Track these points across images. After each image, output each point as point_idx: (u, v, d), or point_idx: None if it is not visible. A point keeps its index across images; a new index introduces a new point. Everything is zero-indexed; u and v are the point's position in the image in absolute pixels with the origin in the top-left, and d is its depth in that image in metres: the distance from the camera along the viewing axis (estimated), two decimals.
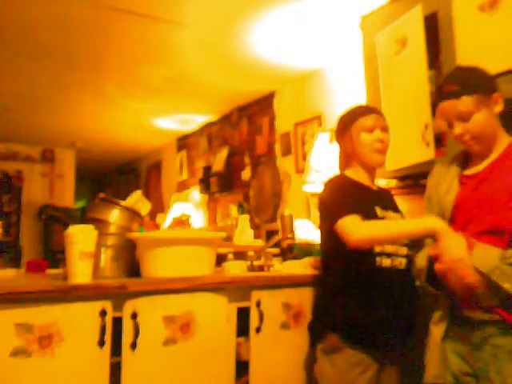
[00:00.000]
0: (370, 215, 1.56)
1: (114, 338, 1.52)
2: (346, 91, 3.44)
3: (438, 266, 1.37)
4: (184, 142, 5.93)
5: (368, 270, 1.59)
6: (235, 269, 1.94)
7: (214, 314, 1.70)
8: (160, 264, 1.73)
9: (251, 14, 2.93)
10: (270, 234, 3.59)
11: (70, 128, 5.65)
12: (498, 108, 1.43)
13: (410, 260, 1.62)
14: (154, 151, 6.68)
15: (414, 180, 2.43)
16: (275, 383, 1.81)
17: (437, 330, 1.47)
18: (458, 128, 1.43)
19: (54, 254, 5.79)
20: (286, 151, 4.15)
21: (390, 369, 1.64)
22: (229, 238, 3.00)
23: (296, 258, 2.17)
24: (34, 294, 1.41)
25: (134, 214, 1.86)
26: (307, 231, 2.65)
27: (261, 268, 2.03)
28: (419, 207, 1.74)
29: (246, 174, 4.65)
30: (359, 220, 1.50)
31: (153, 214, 4.88)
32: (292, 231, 2.35)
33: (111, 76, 3.98)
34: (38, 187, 6.43)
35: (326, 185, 1.71)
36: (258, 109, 4.57)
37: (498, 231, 1.36)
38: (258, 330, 1.76)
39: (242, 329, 1.76)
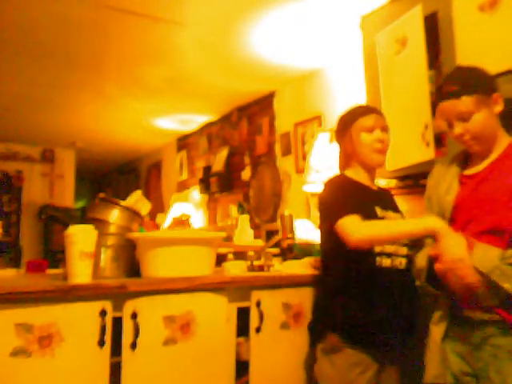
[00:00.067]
0: (369, 215, 1.56)
1: (114, 338, 1.52)
2: (346, 91, 3.44)
3: (437, 266, 1.37)
4: (184, 142, 5.93)
5: (368, 270, 1.59)
6: (235, 269, 1.94)
7: (214, 313, 1.70)
8: (160, 264, 1.73)
9: (251, 14, 2.93)
10: (270, 234, 3.59)
11: (70, 128, 5.65)
12: (498, 108, 1.43)
13: (410, 260, 1.62)
14: (154, 151, 6.68)
15: (414, 180, 2.43)
16: (275, 383, 1.81)
17: (437, 330, 1.47)
18: (458, 128, 1.43)
19: (54, 254, 5.79)
20: (286, 151, 4.15)
21: (390, 369, 1.64)
22: (229, 238, 3.00)
23: (296, 258, 2.17)
24: (34, 294, 1.41)
25: (133, 214, 1.86)
26: (307, 231, 2.65)
27: (261, 268, 2.03)
28: (419, 207, 1.74)
29: (246, 174, 4.65)
30: (359, 220, 1.50)
31: (153, 214, 4.88)
32: (292, 231, 2.35)
33: (111, 76, 3.98)
34: (38, 187, 6.43)
35: (325, 185, 1.72)
36: (258, 109, 4.57)
37: (498, 231, 1.36)
38: (257, 330, 1.76)
39: (242, 329, 1.76)
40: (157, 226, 3.15)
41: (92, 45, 3.36)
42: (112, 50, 3.47)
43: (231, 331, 1.74)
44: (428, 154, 2.09)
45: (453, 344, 1.44)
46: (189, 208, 5.11)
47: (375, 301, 1.58)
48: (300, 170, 3.78)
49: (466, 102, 1.40)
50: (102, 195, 1.90)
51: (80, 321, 1.47)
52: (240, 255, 2.30)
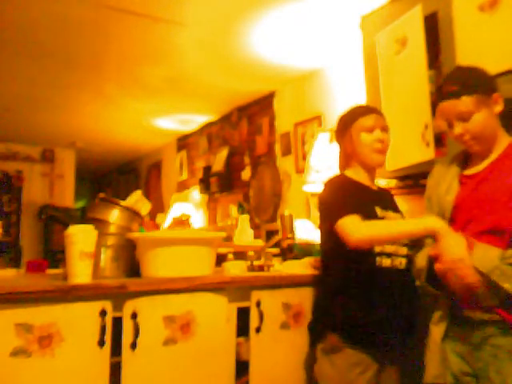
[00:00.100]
0: (369, 215, 1.56)
1: (114, 338, 1.52)
2: (346, 91, 3.44)
3: (437, 266, 1.37)
4: (184, 142, 5.93)
5: (368, 270, 1.59)
6: (235, 269, 1.94)
7: (214, 313, 1.70)
8: (160, 264, 1.73)
9: (251, 14, 2.93)
10: (270, 234, 3.59)
11: (70, 128, 5.65)
12: (498, 108, 1.43)
13: (410, 260, 1.62)
14: (154, 151, 6.68)
15: (414, 180, 2.43)
16: (275, 383, 1.81)
17: (437, 330, 1.47)
18: (458, 128, 1.43)
19: (54, 254, 5.79)
20: (286, 151, 4.15)
21: (390, 369, 1.64)
22: (229, 238, 3.00)
23: (296, 258, 2.17)
24: (34, 294, 1.41)
25: (134, 214, 1.86)
26: (307, 231, 2.65)
27: (261, 268, 2.03)
28: (419, 207, 1.74)
29: (246, 174, 4.65)
30: (359, 220, 1.50)
31: (153, 214, 4.88)
32: (292, 231, 2.35)
33: (111, 76, 3.98)
34: (38, 187, 6.43)
35: (325, 185, 1.71)
36: (258, 109, 4.57)
37: (498, 231, 1.36)
38: (258, 330, 1.76)
39: (242, 329, 1.76)
40: (157, 226, 3.15)
41: (92, 45, 3.36)
42: (112, 50, 3.47)
43: (231, 331, 1.74)
44: (428, 154, 2.09)
45: (453, 344, 1.44)
46: (189, 208, 5.11)
47: (375, 301, 1.58)
48: (300, 170, 3.78)
49: (465, 102, 1.40)
50: (101, 195, 1.90)
51: (80, 321, 1.47)
52: (240, 255, 2.30)
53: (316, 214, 1.83)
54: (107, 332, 1.50)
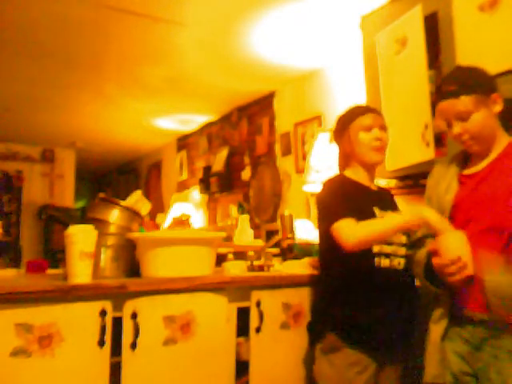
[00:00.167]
0: (368, 216, 1.56)
1: (114, 338, 1.52)
2: (346, 91, 3.44)
3: (435, 261, 1.37)
4: (184, 142, 5.93)
5: (367, 270, 1.59)
6: (235, 269, 1.94)
7: (214, 314, 1.70)
8: (160, 264, 1.72)
9: (251, 14, 2.93)
10: (270, 234, 3.59)
11: (70, 128, 5.65)
12: (498, 108, 1.43)
13: (409, 260, 1.62)
14: (154, 151, 6.68)
15: (414, 180, 2.43)
16: (275, 383, 1.81)
17: (436, 330, 1.47)
18: (457, 128, 1.43)
19: (54, 254, 5.79)
20: (286, 151, 4.15)
21: (388, 368, 1.63)
22: (229, 238, 3.00)
23: (296, 258, 2.17)
24: (34, 294, 1.41)
25: (134, 213, 1.86)
26: (307, 231, 2.65)
27: (261, 268, 2.03)
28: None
29: (246, 174, 4.65)
30: (354, 223, 1.50)
31: (153, 214, 4.88)
32: (292, 231, 2.35)
33: (111, 76, 3.98)
34: (38, 187, 6.43)
35: (324, 185, 1.71)
36: (258, 109, 4.57)
37: (497, 230, 1.36)
38: (258, 329, 1.76)
39: (242, 329, 1.76)
40: (157, 226, 3.14)
41: (92, 45, 3.36)
42: (112, 50, 3.47)
43: (231, 331, 1.74)
44: (428, 154, 2.09)
45: (453, 344, 1.44)
46: (189, 208, 5.11)
47: (374, 301, 1.58)
48: (300, 170, 3.78)
49: (464, 102, 1.40)
50: (101, 195, 1.90)
51: (80, 321, 1.47)
52: (240, 255, 2.30)
53: (316, 213, 1.83)
54: (107, 332, 1.50)
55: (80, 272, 1.54)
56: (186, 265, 1.74)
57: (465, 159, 1.54)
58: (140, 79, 4.00)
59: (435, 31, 2.12)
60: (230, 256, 2.22)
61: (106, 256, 1.75)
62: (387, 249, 1.60)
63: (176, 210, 4.95)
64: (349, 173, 1.76)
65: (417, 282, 1.64)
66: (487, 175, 1.44)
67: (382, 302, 1.59)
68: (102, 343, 1.49)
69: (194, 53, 3.48)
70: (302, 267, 1.99)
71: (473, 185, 1.45)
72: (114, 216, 1.80)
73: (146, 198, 1.98)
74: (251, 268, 2.01)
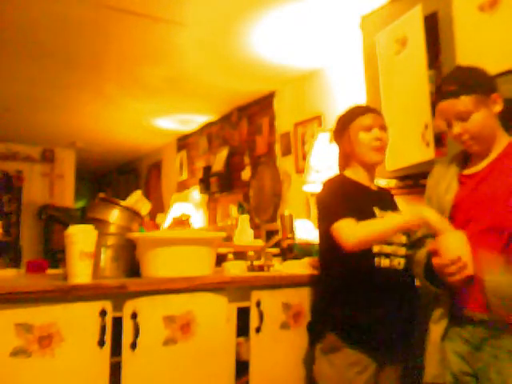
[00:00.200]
0: (368, 216, 1.56)
1: (114, 338, 1.52)
2: (346, 91, 3.44)
3: (435, 261, 1.37)
4: (184, 142, 5.93)
5: (367, 270, 1.59)
6: (235, 269, 1.94)
7: (214, 314, 1.70)
8: (160, 264, 1.72)
9: (251, 14, 2.93)
10: (270, 234, 3.59)
11: (70, 128, 5.65)
12: (498, 108, 1.43)
13: (409, 260, 1.62)
14: (154, 151, 6.68)
15: (414, 180, 2.43)
16: (275, 383, 1.81)
17: (436, 330, 1.47)
18: (457, 128, 1.43)
19: (54, 254, 5.79)
20: (286, 151, 4.15)
21: (388, 368, 1.63)
22: (229, 238, 3.00)
23: (296, 258, 2.17)
24: (34, 294, 1.41)
25: (134, 213, 1.86)
26: (307, 231, 2.65)
27: (261, 268, 2.03)
28: None
29: (246, 173, 4.65)
30: (354, 224, 1.50)
31: (153, 214, 4.88)
32: (292, 231, 2.35)
33: (111, 76, 3.98)
34: (38, 187, 6.43)
35: (324, 184, 1.71)
36: (258, 109, 4.57)
37: (497, 231, 1.36)
38: (258, 329, 1.76)
39: (242, 329, 1.76)
40: (157, 226, 3.14)
41: (92, 45, 3.36)
42: (112, 50, 3.47)
43: (231, 331, 1.74)
44: (428, 153, 2.09)
45: (453, 344, 1.44)
46: (189, 208, 5.11)
47: (374, 301, 1.58)
48: (300, 170, 3.78)
49: (464, 102, 1.40)
50: (101, 195, 1.90)
51: (80, 321, 1.47)
52: (240, 255, 2.30)
53: (316, 213, 1.83)
54: (107, 332, 1.50)
55: (80, 272, 1.54)
56: (186, 265, 1.74)
57: (465, 159, 1.54)
58: (140, 79, 4.00)
59: (435, 31, 2.12)
60: (230, 256, 2.22)
61: (105, 256, 1.75)
62: (387, 249, 1.60)
63: (176, 209, 4.95)
64: (349, 173, 1.76)
65: (417, 282, 1.64)
66: (487, 175, 1.44)
67: (382, 302, 1.59)
68: (102, 343, 1.49)
69: (194, 53, 3.48)
70: (301, 267, 1.99)
71: (473, 185, 1.45)
72: (114, 216, 1.80)
73: (146, 197, 1.98)
74: (251, 268, 2.01)
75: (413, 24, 2.18)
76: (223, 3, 2.81)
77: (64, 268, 1.64)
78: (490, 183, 1.42)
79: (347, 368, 1.55)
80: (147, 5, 2.82)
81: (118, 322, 1.53)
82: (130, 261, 1.81)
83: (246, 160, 4.68)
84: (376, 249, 1.58)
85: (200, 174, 5.35)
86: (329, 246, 1.60)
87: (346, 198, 1.61)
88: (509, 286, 1.29)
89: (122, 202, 1.84)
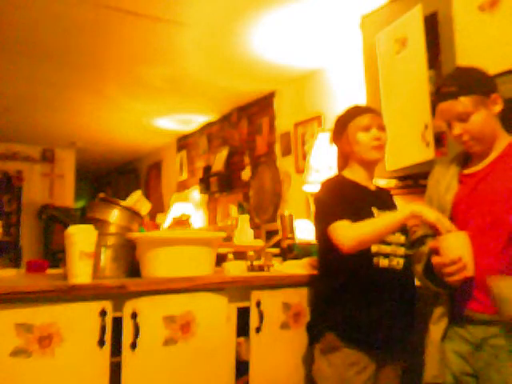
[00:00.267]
0: (366, 216, 1.56)
1: (114, 338, 1.52)
2: (345, 91, 3.44)
3: (436, 260, 1.37)
4: (184, 142, 5.93)
5: (365, 270, 1.59)
6: (235, 269, 1.94)
7: (214, 314, 1.70)
8: (160, 264, 1.73)
9: (251, 14, 2.93)
10: (270, 234, 3.59)
11: (69, 128, 5.65)
12: (497, 108, 1.43)
13: (408, 260, 1.62)
14: (154, 151, 6.68)
15: (414, 180, 2.43)
16: (275, 383, 1.81)
17: (436, 330, 1.47)
18: (457, 128, 1.43)
19: (54, 254, 5.79)
20: (286, 151, 4.15)
21: (387, 368, 1.63)
22: (229, 238, 3.00)
23: (296, 258, 2.17)
24: (34, 294, 1.41)
25: (133, 214, 1.86)
26: (307, 231, 2.66)
27: (261, 268, 2.03)
28: None
29: (245, 174, 4.65)
30: (349, 225, 1.51)
31: (153, 214, 4.89)
32: (292, 231, 2.35)
33: (111, 76, 3.98)
34: (38, 187, 6.44)
35: (322, 185, 1.71)
36: (258, 109, 4.57)
37: (496, 230, 1.36)
38: (257, 329, 1.76)
39: (242, 329, 1.76)
40: (157, 226, 3.15)
41: (92, 45, 3.36)
42: (112, 50, 3.47)
43: (231, 331, 1.74)
44: (428, 153, 2.09)
45: (453, 344, 1.44)
46: (189, 208, 5.11)
47: (373, 301, 1.58)
48: (300, 170, 3.78)
49: (463, 103, 1.40)
50: (102, 195, 1.90)
51: (80, 321, 1.47)
52: (240, 255, 2.30)
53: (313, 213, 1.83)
54: (107, 332, 1.50)
55: (80, 272, 1.54)
56: (186, 265, 1.74)
57: (465, 159, 1.54)
58: (140, 79, 4.00)
59: (435, 31, 2.12)
60: (230, 256, 2.22)
61: (105, 256, 1.75)
62: (386, 249, 1.60)
63: (176, 210, 4.96)
64: (347, 173, 1.76)
65: (417, 282, 1.64)
66: (487, 175, 1.44)
67: (381, 302, 1.59)
68: (102, 343, 1.49)
69: (194, 53, 3.48)
70: (301, 267, 1.99)
71: (473, 184, 1.45)
72: (114, 216, 1.80)
73: (146, 198, 1.98)
74: (251, 268, 2.01)
75: (413, 24, 2.18)
76: (223, 3, 2.81)
77: (64, 268, 1.64)
78: (490, 183, 1.42)
79: (346, 368, 1.55)
80: (147, 5, 2.82)
81: (118, 322, 1.53)
82: (129, 261, 1.81)
83: (246, 160, 4.68)
84: (374, 249, 1.58)
85: (200, 174, 5.35)
86: (327, 247, 1.60)
87: (344, 199, 1.61)
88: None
89: (122, 202, 1.84)
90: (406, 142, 2.22)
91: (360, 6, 2.71)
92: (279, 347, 1.81)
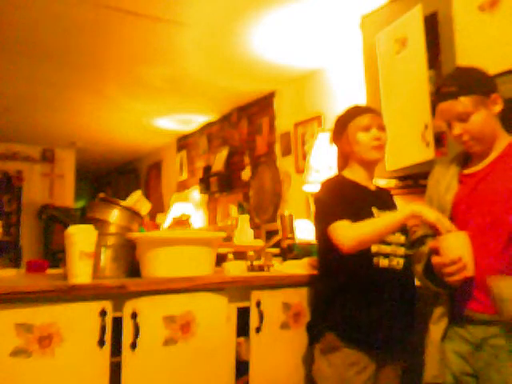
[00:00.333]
0: (366, 216, 1.56)
1: (114, 338, 1.52)
2: (345, 91, 3.44)
3: (435, 260, 1.37)
4: (184, 142, 5.93)
5: (365, 270, 1.59)
6: (235, 269, 1.94)
7: (214, 314, 1.70)
8: (160, 264, 1.73)
9: (251, 14, 2.93)
10: (270, 234, 3.59)
11: (69, 128, 5.65)
12: (497, 108, 1.43)
13: (408, 260, 1.62)
14: (154, 151, 6.68)
15: (414, 180, 2.43)
16: (275, 383, 1.81)
17: (436, 330, 1.47)
18: (457, 128, 1.43)
19: (54, 254, 5.80)
20: (286, 151, 4.15)
21: (387, 368, 1.63)
22: (229, 238, 3.00)
23: (296, 258, 2.17)
24: (34, 294, 1.41)
25: (133, 214, 1.86)
26: (307, 231, 2.65)
27: (261, 268, 2.03)
28: None
29: (245, 174, 4.65)
30: (349, 225, 1.51)
31: (153, 214, 4.89)
32: (292, 231, 2.35)
33: (111, 76, 3.98)
34: (38, 187, 6.44)
35: (322, 185, 1.71)
36: (258, 109, 4.57)
37: (496, 230, 1.36)
38: (258, 329, 1.76)
39: (242, 329, 1.76)
40: (157, 226, 3.15)
41: (92, 45, 3.36)
42: (112, 50, 3.47)
43: (231, 331, 1.74)
44: (428, 153, 2.09)
45: (453, 343, 1.44)
46: (189, 208, 5.11)
47: (373, 301, 1.58)
48: (300, 170, 3.78)
49: (463, 103, 1.40)
50: (102, 195, 1.90)
51: (80, 321, 1.47)
52: (240, 255, 2.30)
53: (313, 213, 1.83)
54: (107, 332, 1.50)
55: (80, 272, 1.54)
56: (186, 265, 1.74)
57: (465, 159, 1.54)
58: (140, 79, 4.00)
59: (435, 31, 2.12)
60: (230, 256, 2.22)
61: (105, 256, 1.75)
62: (386, 249, 1.60)
63: (176, 210, 4.96)
64: (347, 173, 1.76)
65: (417, 282, 1.64)
66: (487, 175, 1.44)
67: (381, 302, 1.59)
68: (102, 343, 1.49)
69: (194, 53, 3.48)
70: (301, 267, 1.99)
71: (473, 184, 1.45)
72: (114, 216, 1.80)
73: (145, 198, 1.98)
74: (251, 268, 2.01)
75: (413, 24, 2.18)
76: (223, 3, 2.81)
77: (64, 268, 1.64)
78: (490, 183, 1.42)
79: (346, 368, 1.55)
80: (147, 5, 2.82)
81: (118, 322, 1.53)
82: (129, 261, 1.81)
83: (246, 160, 4.68)
84: (374, 249, 1.58)
85: (200, 174, 5.35)
86: (327, 247, 1.60)
87: (344, 199, 1.61)
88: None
89: (122, 202, 1.84)
90: (406, 142, 2.22)
91: (360, 6, 2.71)
92: (279, 347, 1.81)
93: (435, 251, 1.39)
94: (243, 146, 4.77)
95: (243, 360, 1.76)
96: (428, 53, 2.10)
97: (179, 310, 1.63)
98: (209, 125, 5.37)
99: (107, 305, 1.51)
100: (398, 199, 1.90)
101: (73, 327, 1.45)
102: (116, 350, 1.52)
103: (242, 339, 1.79)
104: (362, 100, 2.63)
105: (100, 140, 6.20)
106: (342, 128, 1.74)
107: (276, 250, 2.36)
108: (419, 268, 1.52)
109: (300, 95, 4.04)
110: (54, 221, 6.17)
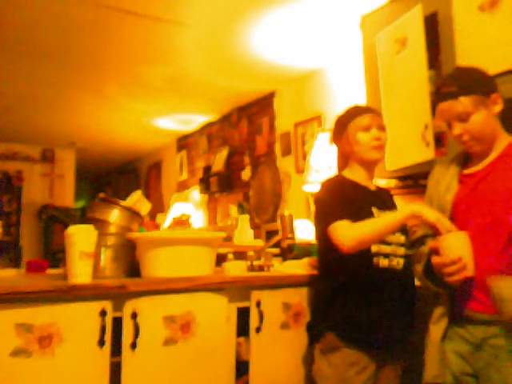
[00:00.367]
0: (366, 216, 1.56)
1: (114, 338, 1.52)
2: (345, 91, 3.44)
3: (435, 260, 1.37)
4: (184, 142, 5.93)
5: (365, 270, 1.59)
6: (235, 269, 1.94)
7: (214, 314, 1.70)
8: (160, 264, 1.73)
9: (251, 14, 2.93)
10: (270, 234, 3.59)
11: (69, 128, 5.65)
12: (497, 108, 1.43)
13: (408, 260, 1.62)
14: (154, 151, 6.68)
15: (414, 180, 2.43)
16: (275, 383, 1.81)
17: (436, 330, 1.47)
18: (457, 128, 1.43)
19: (54, 254, 5.79)
20: (286, 151, 4.15)
21: (387, 368, 1.63)
22: (229, 238, 3.00)
23: (296, 258, 2.17)
24: (34, 294, 1.41)
25: (133, 214, 1.86)
26: (307, 231, 2.65)
27: (261, 268, 2.03)
28: None
29: (245, 174, 4.66)
30: (349, 225, 1.51)
31: (153, 214, 4.89)
32: (292, 231, 2.35)
33: (111, 76, 3.98)
34: (38, 187, 6.44)
35: (322, 185, 1.71)
36: (258, 109, 4.57)
37: (496, 230, 1.36)
38: (258, 329, 1.76)
39: (242, 329, 1.76)
40: (157, 226, 3.15)
41: (92, 45, 3.36)
42: (112, 50, 3.47)
43: (231, 331, 1.74)
44: (428, 153, 2.09)
45: (453, 344, 1.44)
46: (189, 208, 5.11)
47: (373, 301, 1.58)
48: (300, 170, 3.78)
49: (463, 103, 1.40)
50: (102, 195, 1.90)
51: (80, 321, 1.47)
52: (240, 255, 2.30)
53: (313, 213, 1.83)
54: (107, 332, 1.50)
55: (80, 272, 1.54)
56: (186, 265, 1.74)
57: (465, 159, 1.54)
58: (140, 79, 4.00)
59: (435, 31, 2.12)
60: (230, 256, 2.22)
61: (105, 256, 1.75)
62: (386, 249, 1.60)
63: (176, 210, 4.96)
64: (347, 173, 1.76)
65: (417, 282, 1.64)
66: (487, 175, 1.44)
67: (381, 302, 1.59)
68: (102, 343, 1.49)
69: (194, 53, 3.48)
70: (301, 267, 1.99)
71: (473, 184, 1.45)
72: (114, 216, 1.80)
73: (145, 198, 1.98)
74: (251, 268, 2.01)
75: (413, 24, 2.18)
76: (223, 3, 2.81)
77: (64, 268, 1.64)
78: (490, 183, 1.42)
79: (346, 368, 1.55)
80: (147, 5, 2.82)
81: (118, 322, 1.53)
82: (129, 261, 1.81)
83: (246, 160, 4.68)
84: (374, 249, 1.58)
85: (200, 174, 5.35)
86: (327, 247, 1.60)
87: (344, 199, 1.61)
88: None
89: (122, 202, 1.84)
90: (405, 142, 2.22)
91: (360, 6, 2.71)
92: (279, 347, 1.81)
93: (435, 251, 1.39)
94: (243, 146, 4.77)
95: (243, 360, 1.76)
96: (428, 53, 2.10)
97: (179, 310, 1.63)
98: (209, 125, 5.37)
99: (107, 305, 1.51)
100: (398, 199, 1.90)
101: (73, 327, 1.45)
102: (116, 350, 1.52)
103: (241, 339, 1.79)
104: (362, 100, 2.63)
105: (100, 140, 6.20)
106: (342, 128, 1.74)
107: (276, 250, 2.36)
108: (419, 268, 1.52)
109: (300, 95, 4.04)
110: (53, 221, 6.17)
